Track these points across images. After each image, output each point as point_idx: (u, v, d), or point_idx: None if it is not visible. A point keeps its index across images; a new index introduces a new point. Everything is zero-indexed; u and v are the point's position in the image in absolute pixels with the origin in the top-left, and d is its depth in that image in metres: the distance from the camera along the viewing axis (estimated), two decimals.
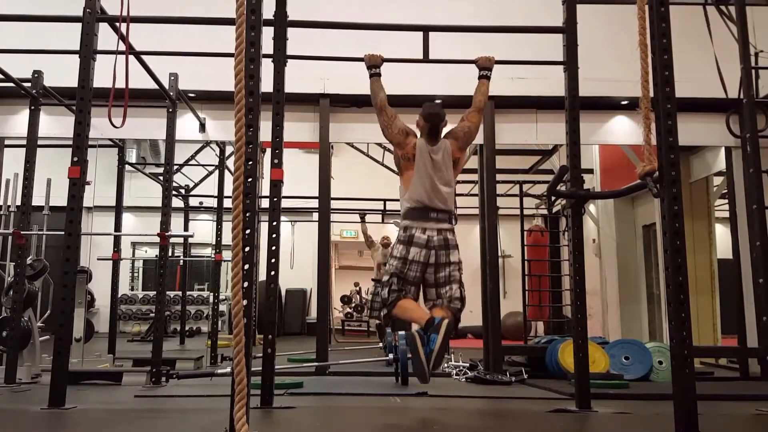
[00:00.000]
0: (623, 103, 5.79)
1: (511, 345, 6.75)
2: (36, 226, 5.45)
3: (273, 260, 3.54)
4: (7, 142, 6.13)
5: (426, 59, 4.02)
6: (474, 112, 3.62)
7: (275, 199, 3.63)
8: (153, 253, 11.94)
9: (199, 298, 12.63)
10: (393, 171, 6.31)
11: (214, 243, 7.50)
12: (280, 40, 3.68)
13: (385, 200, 10.13)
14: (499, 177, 5.87)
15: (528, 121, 5.95)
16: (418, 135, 3.51)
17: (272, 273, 3.52)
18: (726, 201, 6.21)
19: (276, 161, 3.65)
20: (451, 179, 3.44)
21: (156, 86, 4.71)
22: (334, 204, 6.90)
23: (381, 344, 6.78)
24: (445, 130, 3.55)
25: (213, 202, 8.56)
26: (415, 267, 3.31)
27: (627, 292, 8.24)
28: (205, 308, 12.32)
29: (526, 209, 8.10)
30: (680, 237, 2.40)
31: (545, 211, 9.32)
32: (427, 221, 3.34)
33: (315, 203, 5.85)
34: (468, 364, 5.29)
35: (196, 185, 9.24)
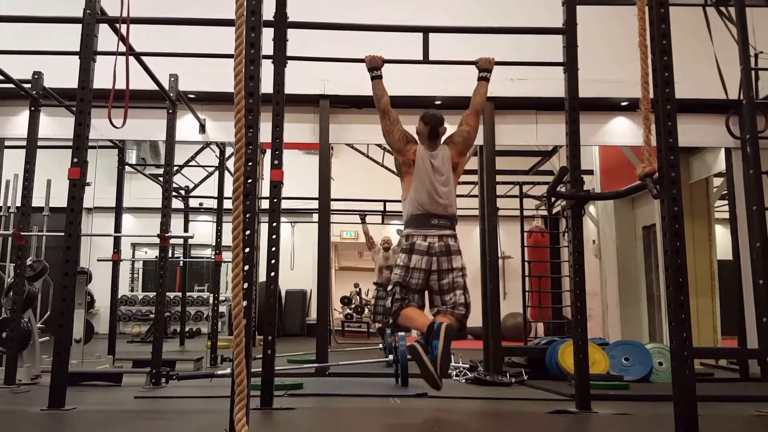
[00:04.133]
0: (623, 104, 5.79)
1: (511, 346, 6.75)
2: (36, 227, 5.44)
3: (273, 261, 3.54)
4: (7, 143, 6.12)
5: (426, 60, 4.02)
6: (472, 114, 3.63)
7: (275, 200, 3.63)
8: (153, 254, 11.94)
9: (199, 299, 12.64)
10: (393, 172, 6.32)
11: (214, 244, 7.50)
12: (280, 41, 3.68)
13: (384, 201, 10.13)
14: (499, 178, 5.87)
15: (528, 122, 5.95)
16: (418, 141, 3.52)
17: (272, 274, 3.52)
18: (726, 202, 6.21)
19: (276, 162, 3.65)
20: (451, 184, 3.44)
21: (156, 87, 4.71)
22: (334, 205, 6.91)
23: (381, 345, 6.78)
24: (444, 136, 3.56)
25: (213, 203, 8.57)
26: (417, 275, 3.32)
27: (627, 293, 8.23)
28: (205, 309, 12.33)
29: (526, 210, 8.10)
30: (680, 238, 2.40)
31: (545, 212, 9.32)
32: (428, 228, 3.35)
33: (315, 204, 5.85)
34: (468, 365, 5.29)
35: (196, 186, 9.24)
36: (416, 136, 3.54)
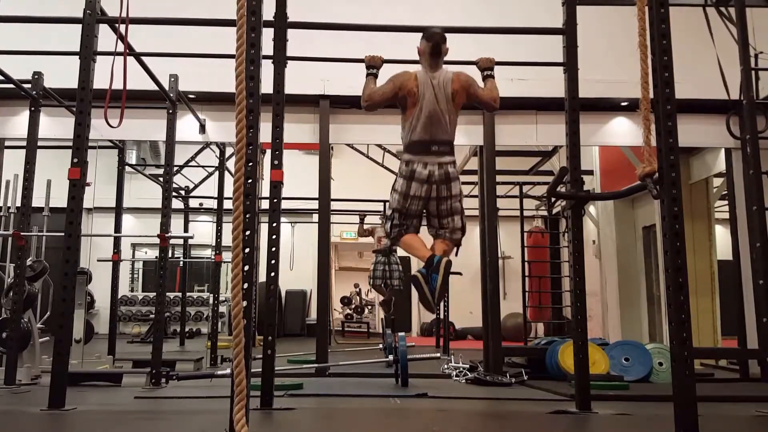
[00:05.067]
0: (623, 104, 5.79)
1: (511, 346, 6.75)
2: (36, 228, 5.44)
3: (273, 261, 3.54)
4: (7, 143, 6.13)
5: None
6: (484, 94, 3.53)
7: (275, 201, 3.63)
8: (153, 254, 11.94)
9: (199, 299, 12.64)
10: (393, 172, 6.31)
11: (214, 244, 7.50)
12: (280, 42, 3.68)
13: (384, 201, 10.11)
14: (499, 178, 5.86)
15: (528, 123, 5.95)
16: (414, 73, 3.44)
17: (272, 274, 3.52)
18: (726, 202, 6.21)
19: (276, 162, 3.65)
20: (452, 108, 3.40)
21: (156, 87, 4.71)
22: (334, 205, 6.90)
23: (381, 345, 6.78)
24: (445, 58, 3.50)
25: (213, 204, 8.57)
26: (416, 202, 3.36)
27: (627, 293, 8.23)
28: (205, 309, 12.33)
29: (526, 210, 8.10)
30: (680, 238, 2.40)
31: (545, 213, 9.32)
32: (429, 155, 3.34)
33: (315, 204, 5.85)
34: (468, 366, 5.29)
35: (196, 186, 9.24)
36: (418, 57, 3.49)
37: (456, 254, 3.49)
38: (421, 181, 3.33)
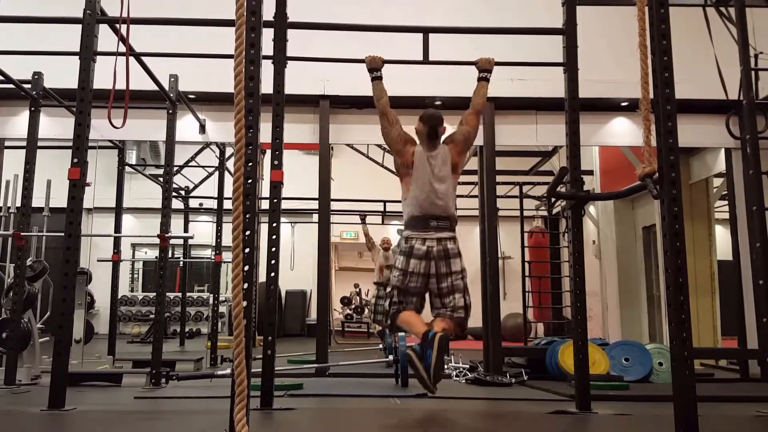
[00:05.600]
0: (623, 104, 5.79)
1: (511, 346, 6.75)
2: (36, 228, 5.44)
3: (273, 261, 3.54)
4: (7, 143, 6.13)
5: (426, 61, 4.02)
6: (472, 114, 3.62)
7: (275, 201, 3.62)
8: (153, 254, 11.95)
9: (199, 299, 12.64)
10: (393, 172, 6.31)
11: (214, 244, 7.51)
12: (280, 42, 3.68)
13: (385, 201, 10.13)
14: (499, 178, 5.86)
15: (528, 123, 5.96)
16: (417, 142, 3.52)
17: (272, 274, 3.52)
18: (726, 202, 6.21)
19: (276, 162, 3.65)
20: (450, 185, 3.43)
21: (156, 87, 4.71)
22: (334, 205, 6.91)
23: (381, 346, 6.77)
24: (444, 136, 3.55)
25: (213, 204, 8.58)
26: (415, 279, 3.34)
27: (627, 293, 8.23)
28: (205, 309, 12.33)
29: (526, 211, 8.10)
30: (680, 238, 2.40)
31: (545, 213, 9.32)
32: (427, 231, 3.35)
33: (315, 204, 5.85)
34: (468, 366, 5.29)
35: (196, 186, 9.24)
36: (415, 137, 3.54)
37: (464, 338, 3.41)
38: (419, 257, 3.32)
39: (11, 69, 4.55)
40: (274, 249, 3.56)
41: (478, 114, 3.66)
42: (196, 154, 8.32)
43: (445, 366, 5.35)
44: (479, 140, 5.81)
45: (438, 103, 5.72)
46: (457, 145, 3.52)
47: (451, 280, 3.34)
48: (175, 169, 6.74)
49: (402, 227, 3.58)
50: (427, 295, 3.47)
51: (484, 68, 3.67)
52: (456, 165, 3.50)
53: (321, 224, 5.72)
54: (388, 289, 3.46)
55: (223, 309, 10.43)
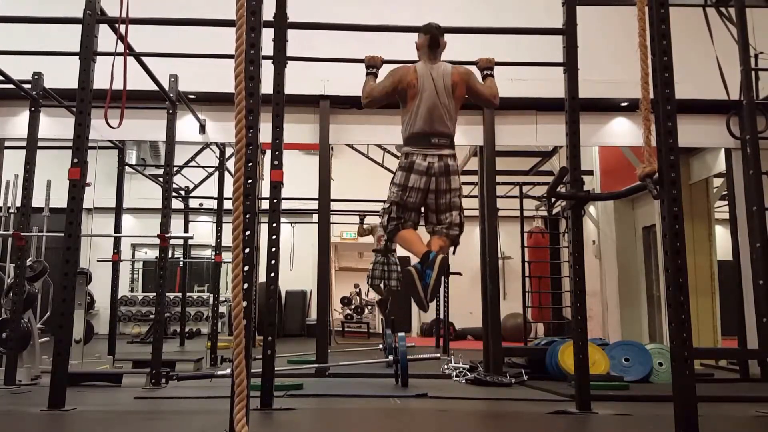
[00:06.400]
0: (623, 104, 5.79)
1: (511, 346, 6.74)
2: (36, 228, 5.44)
3: (273, 262, 3.54)
4: (7, 143, 6.13)
5: None
6: (484, 91, 3.54)
7: (275, 201, 3.63)
8: (153, 254, 11.94)
9: (199, 299, 12.63)
10: (393, 172, 6.30)
11: (214, 244, 7.50)
12: (280, 42, 3.68)
13: (385, 201, 10.11)
14: (499, 178, 5.86)
15: (528, 123, 5.96)
16: (414, 68, 3.44)
17: (272, 274, 3.52)
18: (726, 202, 6.21)
19: (276, 163, 3.65)
20: (452, 101, 3.38)
21: (156, 88, 4.71)
22: (333, 205, 6.90)
23: (381, 345, 6.78)
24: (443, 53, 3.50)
25: (213, 204, 8.57)
26: (414, 194, 3.31)
27: (627, 293, 8.24)
28: (204, 310, 12.33)
29: (526, 211, 8.10)
30: (680, 238, 2.40)
31: (545, 213, 9.32)
32: (428, 147, 3.32)
33: (315, 205, 5.85)
34: (468, 366, 5.29)
35: (196, 187, 9.24)
36: (405, 71, 3.44)
37: (453, 253, 3.44)
38: (420, 173, 3.29)
39: (11, 69, 4.56)
40: (274, 249, 3.56)
41: (489, 96, 3.53)
42: (196, 154, 8.31)
43: (445, 364, 5.40)
44: (479, 140, 5.82)
45: None
46: (461, 74, 3.43)
47: (450, 197, 3.32)
48: (175, 169, 6.74)
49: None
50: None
51: (486, 67, 3.66)
52: (455, 86, 3.40)
53: (321, 224, 5.72)
54: (386, 205, 3.41)
55: (223, 309, 10.42)
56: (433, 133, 3.33)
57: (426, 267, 3.10)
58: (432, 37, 3.45)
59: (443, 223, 3.35)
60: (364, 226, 9.06)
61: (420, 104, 3.35)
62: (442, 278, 3.23)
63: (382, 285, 8.76)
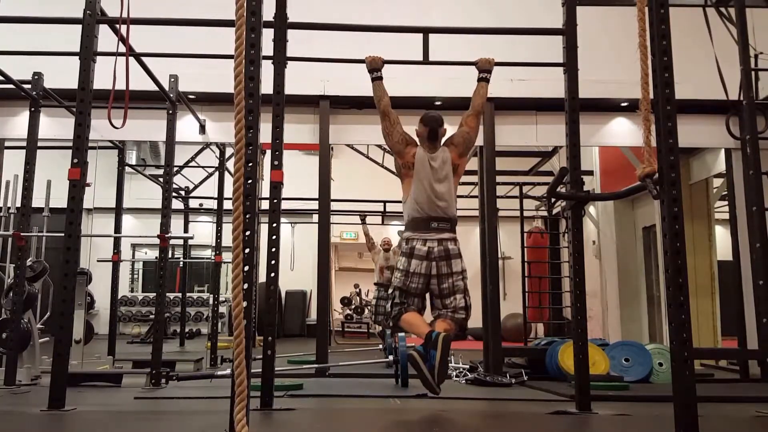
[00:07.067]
0: (623, 104, 5.79)
1: (511, 347, 6.74)
2: (36, 228, 5.44)
3: (273, 262, 3.53)
4: (7, 143, 6.13)
5: (426, 61, 4.02)
6: (472, 115, 3.64)
7: (275, 201, 3.62)
8: (153, 254, 11.95)
9: (199, 299, 12.64)
10: (393, 173, 6.30)
11: (214, 244, 7.50)
12: (280, 42, 3.68)
13: (385, 202, 10.13)
14: (498, 179, 5.86)
15: (528, 123, 5.96)
16: (418, 144, 3.52)
17: (272, 275, 3.52)
18: (726, 203, 6.21)
19: (276, 163, 3.65)
20: (451, 187, 3.45)
21: (156, 88, 4.71)
22: (334, 206, 6.90)
23: (381, 346, 6.77)
24: (444, 137, 3.56)
25: (213, 204, 8.58)
26: (416, 279, 3.35)
27: (627, 293, 8.23)
28: (205, 310, 12.33)
29: (526, 211, 8.09)
30: (680, 239, 2.40)
31: (545, 213, 9.32)
32: (428, 231, 3.37)
33: (315, 205, 5.85)
34: (468, 366, 5.29)
35: (196, 187, 9.24)
36: (416, 138, 3.55)
37: (464, 338, 3.46)
38: (420, 258, 3.34)
39: (11, 69, 4.55)
40: (274, 249, 3.56)
41: (478, 115, 3.68)
42: (196, 154, 8.31)
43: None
44: (479, 140, 5.81)
45: (438, 103, 5.72)
46: (457, 147, 3.54)
47: (452, 281, 3.35)
48: (175, 169, 6.74)
49: (402, 228, 3.59)
50: (427, 296, 3.47)
51: (484, 68, 3.68)
52: (457, 167, 3.52)
53: (321, 224, 5.72)
54: (390, 290, 3.48)
55: (223, 309, 10.43)
56: (432, 218, 3.38)
57: (429, 348, 3.08)
58: (431, 130, 3.51)
59: (448, 307, 3.38)
60: (369, 243, 8.96)
61: (418, 190, 3.40)
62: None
63: (387, 321, 8.71)
